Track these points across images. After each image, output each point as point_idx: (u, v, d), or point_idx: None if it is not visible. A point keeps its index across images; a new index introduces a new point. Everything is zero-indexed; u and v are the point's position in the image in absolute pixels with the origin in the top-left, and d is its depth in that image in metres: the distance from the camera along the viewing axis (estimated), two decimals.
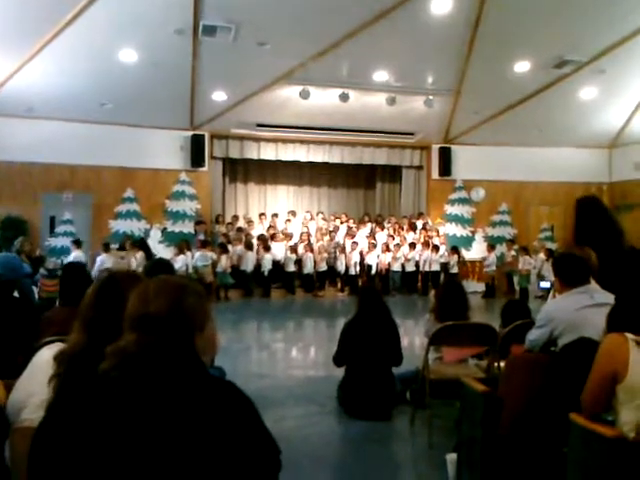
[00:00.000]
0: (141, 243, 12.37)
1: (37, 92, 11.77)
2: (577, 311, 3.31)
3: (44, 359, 2.01)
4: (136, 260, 11.94)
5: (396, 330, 5.15)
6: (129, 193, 14.09)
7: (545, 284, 11.60)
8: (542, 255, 14.20)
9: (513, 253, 14.98)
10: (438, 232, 15.53)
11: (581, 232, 4.86)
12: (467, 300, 4.93)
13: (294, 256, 14.26)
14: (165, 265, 4.05)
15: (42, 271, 9.78)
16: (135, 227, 14.09)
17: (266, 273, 14.01)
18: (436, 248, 14.68)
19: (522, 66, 12.46)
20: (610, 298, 3.27)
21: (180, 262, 12.61)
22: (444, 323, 4.46)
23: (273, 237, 14.44)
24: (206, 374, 1.53)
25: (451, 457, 3.62)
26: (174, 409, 1.39)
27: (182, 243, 13.44)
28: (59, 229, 13.58)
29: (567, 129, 15.03)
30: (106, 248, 12.50)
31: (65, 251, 12.96)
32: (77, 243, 12.52)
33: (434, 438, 4.26)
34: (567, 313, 3.33)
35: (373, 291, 5.45)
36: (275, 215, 15.55)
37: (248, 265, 13.83)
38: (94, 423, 1.38)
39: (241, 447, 1.43)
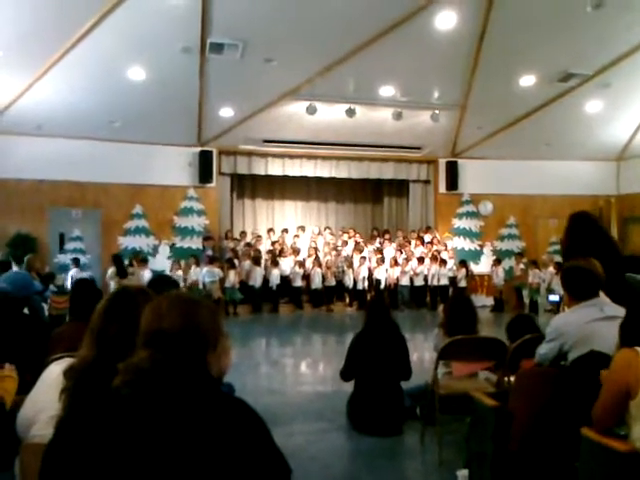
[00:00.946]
0: (114, 258, 12.32)
1: (46, 110, 11.89)
2: (587, 324, 3.28)
3: (53, 375, 2.02)
4: (143, 277, 11.95)
5: (405, 344, 5.13)
6: (138, 209, 14.16)
7: (554, 297, 11.53)
8: (551, 269, 14.12)
9: (522, 267, 14.92)
10: (446, 246, 15.50)
11: (574, 246, 4.81)
12: (476, 314, 4.90)
13: (302, 271, 14.27)
14: (169, 281, 4.07)
15: (52, 288, 9.83)
16: (144, 243, 14.14)
17: (274, 288, 14.02)
18: (444, 262, 14.65)
19: (527, 80, 12.48)
20: (620, 311, 3.24)
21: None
22: (453, 337, 4.43)
23: (281, 252, 14.46)
24: (218, 392, 1.53)
25: (462, 473, 3.60)
26: (186, 428, 1.39)
27: (176, 260, 13.61)
28: (68, 246, 13.64)
29: (574, 142, 15.01)
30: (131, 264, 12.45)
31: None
32: (76, 262, 12.61)
33: (444, 454, 4.22)
34: (577, 327, 3.30)
35: (381, 305, 5.42)
36: (285, 230, 15.59)
37: (257, 280, 13.84)
38: (105, 441, 1.38)
39: (252, 466, 1.43)
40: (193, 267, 13.54)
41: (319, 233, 15.84)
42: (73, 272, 12.17)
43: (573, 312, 3.44)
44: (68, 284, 11.12)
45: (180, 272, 13.22)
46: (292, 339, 10.70)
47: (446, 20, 10.54)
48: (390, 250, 15.22)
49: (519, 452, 3.12)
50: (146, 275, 12.03)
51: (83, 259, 13.40)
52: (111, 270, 11.93)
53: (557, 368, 3.34)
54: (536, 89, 12.77)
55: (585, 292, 3.40)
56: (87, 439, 1.40)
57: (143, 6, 9.52)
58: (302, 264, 14.38)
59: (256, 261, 13.93)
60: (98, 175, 13.50)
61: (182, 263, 13.67)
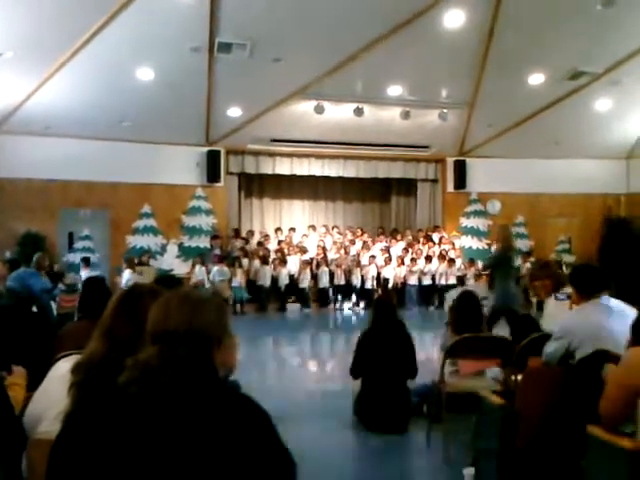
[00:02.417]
0: (84, 260, 12.34)
1: (56, 110, 11.95)
2: (594, 322, 3.27)
3: (61, 372, 2.03)
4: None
5: (411, 343, 5.13)
6: (146, 209, 14.21)
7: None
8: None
9: (529, 265, 14.85)
10: (454, 245, 15.47)
11: (607, 251, 4.86)
12: (482, 312, 4.91)
13: (309, 270, 14.29)
14: (175, 280, 4.10)
15: (61, 286, 9.87)
16: (152, 242, 14.19)
17: (283, 288, 14.06)
18: (452, 261, 14.62)
19: (536, 78, 12.43)
20: (627, 309, 3.23)
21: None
22: (461, 336, 4.43)
23: (283, 252, 14.51)
24: (224, 388, 1.54)
25: (469, 471, 3.59)
26: (192, 423, 1.40)
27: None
28: (77, 245, 13.72)
29: (583, 140, 14.93)
30: (130, 264, 12.52)
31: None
32: (86, 261, 12.60)
33: (451, 452, 4.22)
34: (584, 325, 3.29)
35: (387, 304, 5.42)
36: (292, 229, 15.61)
37: (265, 280, 13.88)
38: (112, 436, 1.39)
39: (257, 460, 1.44)
40: (198, 266, 13.56)
41: (327, 232, 15.84)
42: (84, 272, 12.15)
43: (580, 310, 3.44)
44: (80, 285, 11.14)
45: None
46: (299, 338, 10.71)
47: (454, 19, 10.53)
48: (397, 249, 15.20)
49: (526, 450, 3.11)
50: (83, 275, 11.85)
51: (93, 258, 13.47)
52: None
53: (564, 367, 3.34)
54: (545, 87, 12.72)
55: (592, 288, 3.40)
56: (94, 434, 1.41)
57: (151, 6, 9.56)
58: (309, 263, 14.39)
59: (264, 260, 13.95)
60: (107, 175, 13.55)
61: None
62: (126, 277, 11.84)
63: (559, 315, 4.00)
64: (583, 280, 3.47)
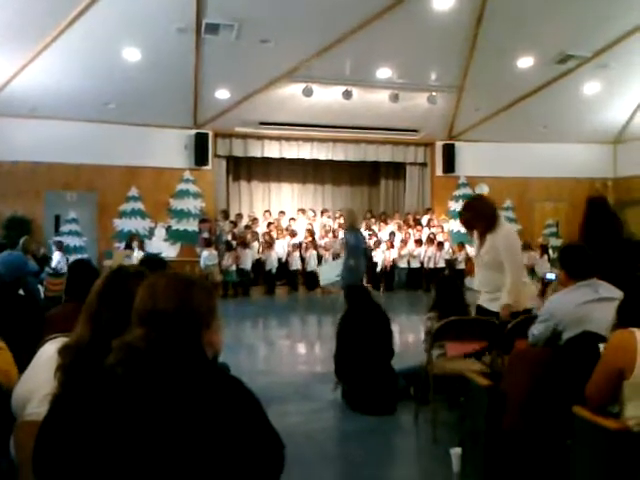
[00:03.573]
0: (57, 244, 12.25)
1: (40, 92, 11.80)
2: (581, 305, 3.29)
3: (48, 354, 2.02)
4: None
5: (388, 324, 5.27)
6: (133, 192, 14.11)
7: (551, 276, 11.54)
8: (533, 253, 14.02)
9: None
10: (443, 229, 15.52)
11: (590, 230, 4.96)
12: (464, 294, 5.01)
13: (297, 253, 14.30)
14: (160, 261, 4.10)
15: (47, 270, 9.81)
16: (140, 226, 14.11)
17: (273, 270, 14.08)
18: (440, 245, 14.68)
19: (525, 62, 12.42)
20: (615, 292, 3.26)
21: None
22: (447, 319, 4.46)
23: (276, 234, 14.51)
24: (212, 370, 1.54)
25: (455, 451, 3.63)
26: (179, 404, 1.40)
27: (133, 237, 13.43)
28: (64, 228, 13.61)
29: (571, 125, 14.98)
30: (59, 246, 12.21)
31: (71, 250, 13.01)
32: (59, 245, 12.31)
33: (438, 433, 4.26)
34: (571, 307, 3.31)
35: (360, 289, 5.59)
36: (282, 213, 15.59)
37: (248, 263, 13.88)
38: (99, 418, 1.38)
39: (246, 441, 1.44)
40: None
41: (314, 216, 15.83)
42: (56, 256, 11.79)
43: (568, 292, 3.45)
44: (56, 266, 10.97)
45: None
46: (288, 320, 10.74)
47: (443, 1, 10.46)
48: (385, 233, 15.22)
49: (512, 431, 3.15)
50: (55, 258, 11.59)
51: (79, 241, 13.39)
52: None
53: (551, 348, 3.37)
54: (534, 71, 12.72)
55: (581, 271, 3.41)
56: (81, 416, 1.40)
57: None
58: (298, 246, 14.39)
59: (245, 245, 13.93)
60: (93, 157, 13.45)
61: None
62: (56, 259, 11.63)
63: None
64: (573, 262, 3.47)
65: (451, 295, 4.89)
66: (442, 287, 5.09)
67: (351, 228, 9.30)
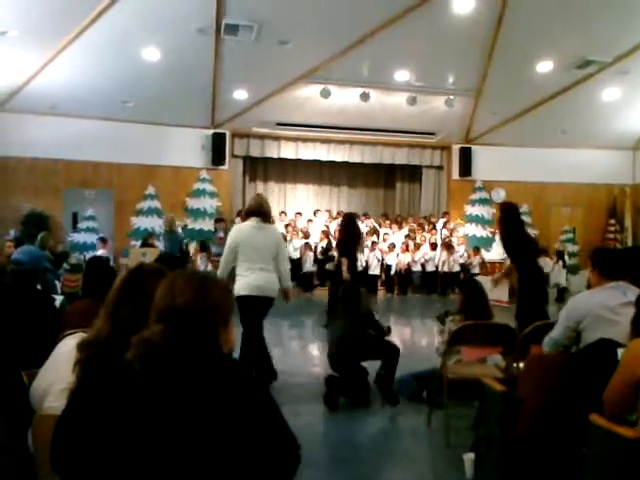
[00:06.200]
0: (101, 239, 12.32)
1: (61, 90, 11.91)
2: (607, 307, 3.26)
3: (67, 348, 2.04)
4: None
5: (379, 328, 5.44)
6: (150, 190, 14.20)
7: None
8: (548, 259, 13.72)
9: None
10: (452, 232, 15.43)
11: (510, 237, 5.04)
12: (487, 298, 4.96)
13: (312, 254, 14.29)
14: (179, 259, 4.12)
15: (65, 266, 9.88)
16: (156, 224, 14.16)
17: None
18: (454, 249, 14.62)
19: (544, 66, 12.33)
20: None
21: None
22: (464, 323, 4.44)
23: (291, 236, 14.51)
24: (228, 366, 1.55)
25: (468, 456, 3.61)
26: (196, 399, 1.41)
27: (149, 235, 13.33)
28: (82, 225, 13.72)
29: (590, 130, 14.84)
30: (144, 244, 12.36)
31: (88, 247, 13.13)
32: (103, 241, 12.45)
33: (451, 438, 4.24)
34: (595, 307, 3.29)
35: (352, 290, 5.71)
36: (299, 214, 15.58)
37: None
38: (116, 412, 1.40)
39: (261, 439, 1.45)
40: (199, 255, 13.42)
41: (330, 217, 15.80)
42: (101, 252, 11.90)
43: (595, 292, 3.43)
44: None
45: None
46: (300, 321, 10.74)
47: (463, 4, 10.42)
48: (401, 236, 15.17)
49: (527, 437, 3.12)
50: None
51: (96, 239, 13.48)
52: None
53: (567, 354, 3.34)
54: (553, 76, 12.62)
55: (614, 271, 3.40)
56: (99, 410, 1.42)
57: None
58: (311, 247, 14.39)
59: None
60: (112, 155, 13.56)
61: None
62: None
63: None
64: (606, 262, 3.46)
65: (478, 299, 4.84)
66: (469, 290, 5.02)
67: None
